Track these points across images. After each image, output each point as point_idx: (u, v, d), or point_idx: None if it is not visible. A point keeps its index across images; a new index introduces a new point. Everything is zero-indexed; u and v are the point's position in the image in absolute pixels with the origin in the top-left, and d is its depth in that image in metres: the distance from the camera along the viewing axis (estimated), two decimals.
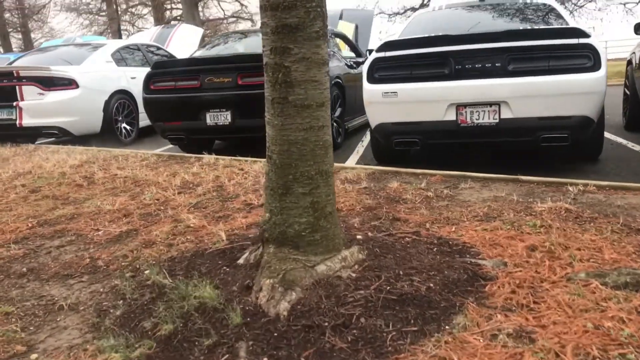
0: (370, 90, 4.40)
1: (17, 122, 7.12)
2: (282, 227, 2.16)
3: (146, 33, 12.38)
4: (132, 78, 8.18)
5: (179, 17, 36.55)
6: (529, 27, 4.78)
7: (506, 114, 4.08)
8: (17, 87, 7.11)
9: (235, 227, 3.06)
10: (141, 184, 4.37)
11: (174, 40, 11.11)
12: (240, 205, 3.56)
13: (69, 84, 7.15)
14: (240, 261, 2.42)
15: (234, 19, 30.42)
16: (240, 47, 6.76)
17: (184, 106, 5.77)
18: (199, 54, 6.78)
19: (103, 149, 6.31)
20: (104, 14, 35.20)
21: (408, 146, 4.46)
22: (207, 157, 5.19)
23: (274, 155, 2.19)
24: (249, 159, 4.99)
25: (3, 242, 3.18)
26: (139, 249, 2.88)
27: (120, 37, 32.18)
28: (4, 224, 3.54)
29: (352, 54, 7.75)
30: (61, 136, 7.21)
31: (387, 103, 4.32)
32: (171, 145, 7.31)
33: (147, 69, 8.59)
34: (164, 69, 5.91)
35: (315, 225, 2.15)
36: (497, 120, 4.10)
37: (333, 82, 5.89)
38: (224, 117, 5.64)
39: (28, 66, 7.33)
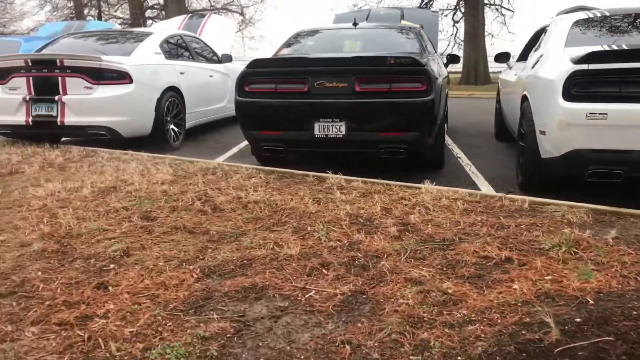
0: (569, 110, 3.66)
1: (59, 119, 6.07)
2: None
3: (171, 22, 11.26)
4: (181, 73, 7.21)
5: (156, 6, 35.08)
6: None
7: None
8: (59, 78, 6.05)
9: (515, 299, 2.26)
10: (288, 214, 3.51)
11: (205, 33, 10.08)
12: (475, 258, 2.74)
13: (122, 77, 6.14)
14: None
15: (224, 11, 29.12)
16: (355, 47, 5.89)
17: (287, 113, 4.89)
18: (292, 51, 5.85)
19: (180, 158, 5.36)
20: None
21: (606, 178, 3.74)
22: (334, 178, 4.33)
23: None
24: (395, 182, 4.17)
25: (180, 306, 2.29)
26: (426, 330, 2.04)
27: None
28: (155, 271, 2.65)
29: None
30: (108, 137, 6.18)
31: (591, 126, 3.58)
32: (231, 154, 6.41)
33: (194, 63, 7.71)
34: (262, 68, 5.00)
35: None
36: None
37: None
38: (336, 129, 4.79)
39: (75, 54, 6.26)
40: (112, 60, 6.09)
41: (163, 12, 31.20)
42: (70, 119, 6.04)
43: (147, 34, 7.30)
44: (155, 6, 35.63)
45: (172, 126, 6.89)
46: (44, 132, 6.31)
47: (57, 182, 4.41)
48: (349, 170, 4.53)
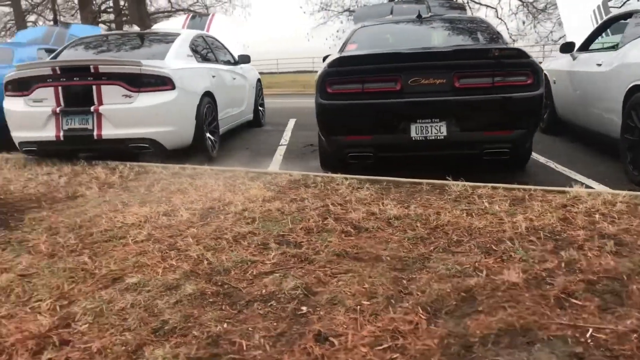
0: None
1: (95, 132, 5.41)
2: None
3: (174, 23, 10.55)
4: (213, 77, 6.64)
5: (109, 9, 33.73)
6: None
7: None
8: (94, 87, 5.39)
9: None
10: (451, 231, 3.07)
11: (212, 33, 9.44)
12: None
13: (163, 83, 5.53)
14: None
15: (185, 12, 28.09)
16: (433, 40, 5.45)
17: (378, 116, 4.45)
18: (363, 48, 5.35)
19: (255, 170, 4.82)
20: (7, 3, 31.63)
21: None
22: (455, 184, 3.91)
23: None
24: (536, 187, 3.78)
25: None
26: None
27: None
28: (369, 313, 2.20)
29: None
30: (151, 151, 5.56)
31: None
32: (278, 160, 5.91)
33: (220, 66, 7.13)
34: (347, 66, 4.52)
35: None
36: None
37: None
38: (436, 130, 4.38)
39: (111, 59, 5.60)
40: (152, 64, 5.48)
41: (124, 17, 29.99)
42: (108, 131, 5.39)
43: (174, 35, 6.68)
44: (108, 9, 34.30)
45: (208, 134, 6.30)
46: (77, 148, 5.61)
47: (138, 206, 3.82)
48: (418, 173, 4.16)
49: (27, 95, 5.48)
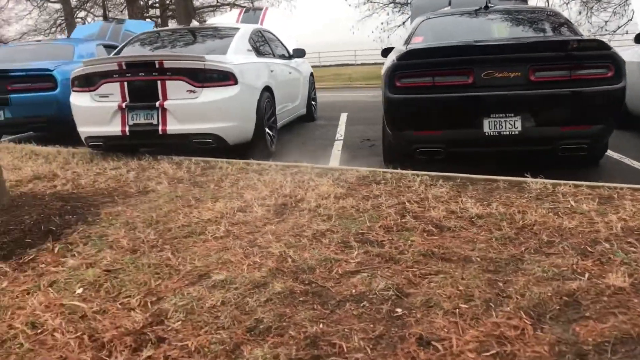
0: None
1: (160, 127, 5.45)
2: None
3: (228, 18, 10.61)
4: (271, 71, 6.61)
5: (155, 5, 34.24)
6: None
7: None
8: (158, 82, 5.42)
9: None
10: (541, 231, 2.94)
11: (266, 27, 9.44)
12: None
13: (226, 78, 5.53)
14: None
15: (229, 6, 28.32)
16: (519, 30, 5.29)
17: (449, 110, 4.33)
18: (430, 39, 5.23)
19: (319, 167, 4.78)
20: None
21: None
22: (534, 182, 3.76)
23: None
24: (622, 185, 3.61)
25: None
26: None
27: (73, 28, 29.53)
28: (469, 317, 2.14)
29: None
30: (213, 146, 5.57)
31: None
32: (337, 155, 5.84)
33: (277, 60, 7.10)
34: (417, 59, 4.41)
35: None
36: None
37: None
38: (510, 125, 4.23)
39: (176, 54, 5.64)
40: (215, 59, 5.48)
41: (169, 12, 30.45)
42: (172, 126, 5.42)
43: (234, 29, 6.69)
44: (154, 5, 34.83)
45: (267, 129, 6.28)
46: (142, 143, 5.67)
47: (211, 202, 3.82)
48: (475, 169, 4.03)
49: (94, 90, 5.57)
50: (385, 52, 6.44)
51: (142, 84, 5.43)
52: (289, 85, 7.55)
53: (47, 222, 3.50)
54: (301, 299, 2.39)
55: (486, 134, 4.27)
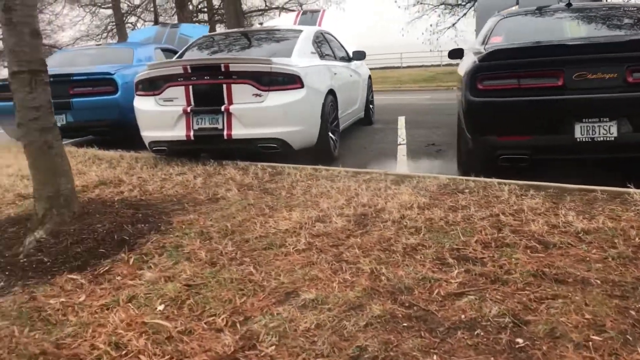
0: None
1: (225, 132, 5.32)
2: None
3: (283, 19, 10.51)
4: (335, 74, 6.42)
5: (204, 9, 34.63)
6: None
7: None
8: (224, 85, 5.29)
9: None
10: None
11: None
12: None
13: (292, 82, 5.35)
14: None
15: (278, 10, 28.35)
16: (605, 29, 4.96)
17: (537, 114, 4.04)
18: (509, 39, 4.92)
19: (394, 173, 4.54)
20: (108, 6, 33.14)
21: None
22: (637, 193, 3.42)
23: None
24: None
25: None
26: None
27: (124, 33, 30.16)
28: (626, 351, 1.81)
29: None
30: (278, 151, 5.40)
31: None
32: (403, 161, 5.57)
33: (338, 63, 6.89)
34: (501, 60, 4.13)
35: None
36: None
37: None
38: (605, 130, 3.91)
39: (241, 58, 5.52)
40: (282, 62, 5.32)
41: (218, 16, 30.75)
42: (238, 131, 5.28)
43: (296, 31, 6.53)
44: (203, 9, 35.27)
45: (330, 133, 6.08)
46: (207, 148, 5.55)
47: (286, 210, 3.64)
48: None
49: (158, 94, 5.48)
50: (453, 53, 6.18)
51: (208, 88, 5.31)
52: (350, 89, 7.34)
53: (120, 231, 3.38)
54: (405, 324, 2.17)
55: (578, 140, 3.95)
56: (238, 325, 2.26)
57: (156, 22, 30.06)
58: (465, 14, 26.91)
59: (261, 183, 4.50)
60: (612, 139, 3.88)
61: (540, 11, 5.31)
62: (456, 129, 4.99)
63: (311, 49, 6.21)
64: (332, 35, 7.69)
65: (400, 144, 7.00)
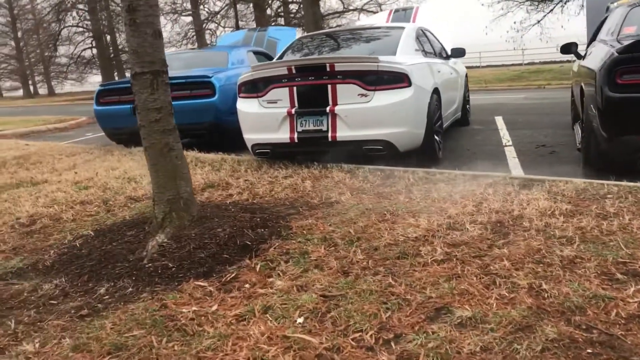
0: None
1: (329, 134, 5.14)
2: None
3: (376, 17, 10.32)
4: (438, 72, 6.11)
5: (282, 13, 34.98)
6: None
7: None
8: (329, 86, 5.12)
9: None
10: None
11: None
12: None
13: (399, 80, 5.11)
14: None
15: (357, 12, 28.18)
16: None
17: None
18: None
19: (535, 179, 4.20)
20: (188, 13, 34.06)
21: None
22: None
23: None
24: None
25: None
26: None
27: (203, 40, 30.77)
28: None
29: None
30: (384, 153, 5.16)
31: None
32: (517, 163, 5.18)
33: (440, 60, 6.58)
34: None
35: None
36: None
37: None
38: None
39: (347, 57, 5.34)
40: (389, 60, 5.08)
41: (295, 20, 30.96)
42: (343, 133, 5.10)
43: (398, 29, 6.28)
44: (281, 13, 35.67)
45: (435, 135, 5.78)
46: (311, 150, 5.40)
47: (409, 216, 3.40)
48: None
49: (262, 96, 5.39)
50: (565, 48, 5.76)
51: (312, 89, 5.17)
52: (451, 87, 7.02)
53: (241, 236, 3.26)
54: (589, 350, 1.88)
55: None
56: (392, 343, 2.05)
57: (237, 27, 30.66)
58: (552, 10, 25.67)
59: (373, 187, 4.29)
60: None
61: None
62: (571, 129, 4.57)
63: (415, 46, 5.96)
64: (432, 32, 7.38)
65: (506, 146, 6.60)
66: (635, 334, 1.95)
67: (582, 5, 23.82)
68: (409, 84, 5.06)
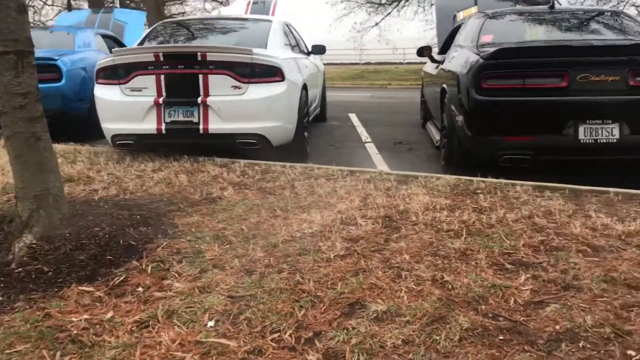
0: None
1: (201, 126, 4.95)
2: None
3: (234, 8, 10.02)
4: (306, 67, 6.20)
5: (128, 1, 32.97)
6: None
7: None
8: (200, 76, 4.92)
9: None
10: None
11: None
12: None
13: (273, 74, 5.08)
14: None
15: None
16: (590, 32, 5.01)
17: (542, 115, 4.04)
18: (498, 38, 4.90)
19: (410, 175, 4.39)
20: None
21: None
22: None
23: None
24: None
25: None
26: None
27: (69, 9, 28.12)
28: None
29: None
30: (257, 148, 5.11)
31: None
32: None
33: (303, 56, 6.67)
34: (507, 59, 4.09)
35: None
36: None
37: None
38: (607, 132, 3.98)
39: (219, 47, 5.14)
40: (263, 53, 5.03)
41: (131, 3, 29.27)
42: (215, 125, 4.93)
43: (266, 21, 6.23)
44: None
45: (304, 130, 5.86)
46: (180, 142, 5.13)
47: (300, 212, 3.39)
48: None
49: (124, 83, 5.01)
50: (421, 51, 6.14)
51: (182, 78, 4.92)
52: (314, 84, 7.15)
53: (123, 236, 3.00)
54: (500, 337, 2.01)
55: (581, 141, 3.99)
56: (315, 342, 2.01)
57: (69, 7, 28.14)
58: (389, 13, 27.33)
59: (255, 181, 4.21)
60: (615, 141, 3.96)
61: (526, 12, 5.36)
62: (421, 127, 4.86)
63: (284, 41, 5.96)
64: (295, 28, 7.43)
65: (366, 142, 6.89)
66: (535, 319, 2.12)
67: (416, 12, 25.78)
68: (283, 79, 5.04)
